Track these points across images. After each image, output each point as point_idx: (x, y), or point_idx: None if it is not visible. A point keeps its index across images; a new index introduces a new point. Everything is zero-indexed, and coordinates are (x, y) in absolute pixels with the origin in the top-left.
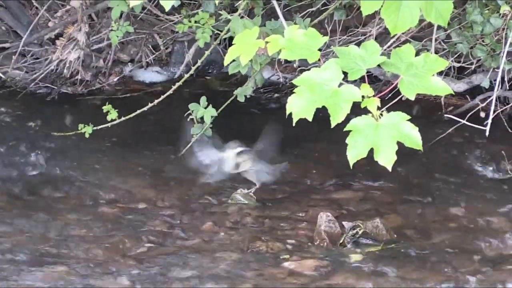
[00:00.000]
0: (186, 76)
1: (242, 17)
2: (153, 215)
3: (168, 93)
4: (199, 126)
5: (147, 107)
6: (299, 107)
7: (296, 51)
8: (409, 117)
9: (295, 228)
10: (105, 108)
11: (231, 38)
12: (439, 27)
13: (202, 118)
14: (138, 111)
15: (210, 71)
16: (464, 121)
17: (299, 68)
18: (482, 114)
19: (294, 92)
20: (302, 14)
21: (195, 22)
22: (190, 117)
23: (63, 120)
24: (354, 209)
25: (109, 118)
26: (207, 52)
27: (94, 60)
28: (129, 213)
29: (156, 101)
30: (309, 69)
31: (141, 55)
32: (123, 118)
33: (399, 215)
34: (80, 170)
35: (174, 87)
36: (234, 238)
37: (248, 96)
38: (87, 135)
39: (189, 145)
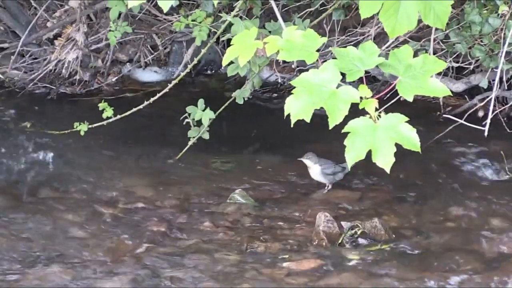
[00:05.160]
0: (183, 74)
1: (240, 17)
2: (152, 215)
3: (164, 91)
4: (196, 129)
5: (143, 105)
6: (297, 108)
7: (294, 52)
8: (407, 118)
9: (293, 228)
10: (101, 105)
11: (230, 39)
12: (437, 28)
13: (199, 120)
14: (134, 109)
15: (208, 71)
16: (462, 121)
17: (297, 69)
18: (481, 114)
19: (292, 93)
20: (300, 14)
21: (192, 20)
22: (186, 120)
23: (62, 120)
24: (352, 209)
25: (104, 116)
26: (203, 51)
27: (93, 60)
28: (127, 213)
29: (152, 99)
30: (307, 70)
31: (139, 55)
32: (118, 116)
33: (397, 215)
34: (78, 170)
35: (170, 85)
36: (232, 238)
37: (245, 99)
38: (82, 133)
39: (186, 147)
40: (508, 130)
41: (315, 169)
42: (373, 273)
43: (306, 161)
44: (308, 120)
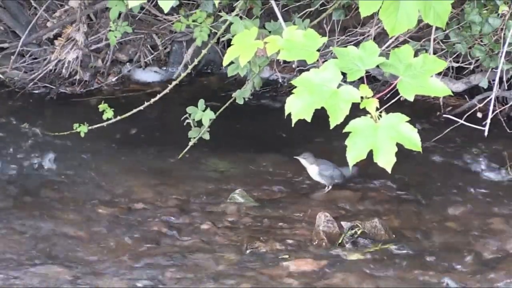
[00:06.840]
0: (183, 75)
1: (240, 17)
2: (152, 215)
3: (164, 92)
4: (197, 130)
5: (143, 106)
6: (298, 108)
7: (294, 51)
8: (408, 118)
9: (294, 228)
10: (101, 107)
11: (230, 39)
12: (437, 27)
13: (200, 121)
14: (134, 110)
15: (209, 71)
16: (462, 122)
17: (297, 68)
18: (479, 115)
19: (293, 93)
20: (300, 14)
21: (193, 21)
22: (187, 121)
23: (62, 120)
24: (352, 209)
25: (104, 117)
26: (204, 51)
27: (93, 60)
28: (127, 214)
29: (152, 100)
30: (308, 70)
31: (139, 55)
32: (118, 118)
33: (397, 216)
34: (78, 171)
35: (170, 86)
36: (233, 238)
37: (246, 99)
38: (82, 135)
39: (187, 148)
40: (508, 130)
41: (313, 170)
42: (373, 273)
43: (302, 160)
44: (308, 119)
